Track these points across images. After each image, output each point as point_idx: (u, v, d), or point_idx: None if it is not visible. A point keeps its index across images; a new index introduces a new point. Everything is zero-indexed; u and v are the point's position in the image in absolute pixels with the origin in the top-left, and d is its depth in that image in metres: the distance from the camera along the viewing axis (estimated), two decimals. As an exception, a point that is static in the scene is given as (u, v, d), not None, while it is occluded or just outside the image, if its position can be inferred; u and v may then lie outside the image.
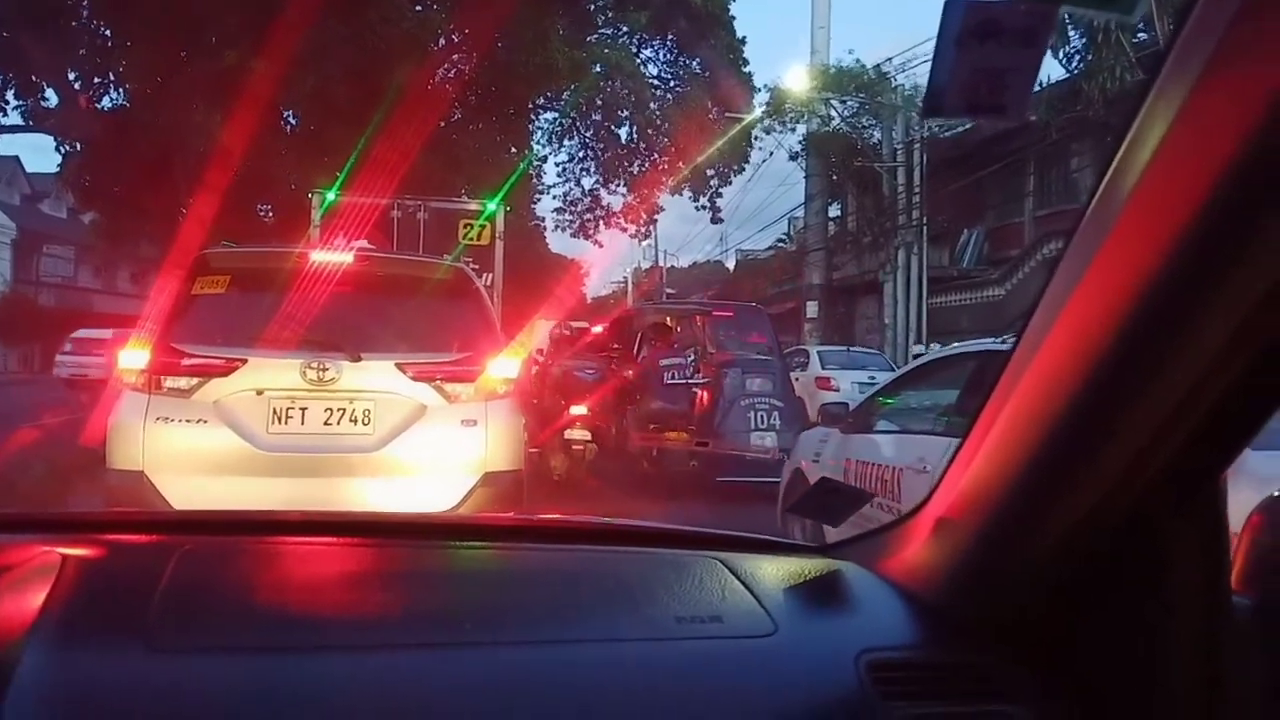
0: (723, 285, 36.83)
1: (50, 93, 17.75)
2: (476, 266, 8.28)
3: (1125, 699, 1.08)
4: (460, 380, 4.59)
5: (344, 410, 4.44)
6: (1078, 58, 17.54)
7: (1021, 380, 1.04)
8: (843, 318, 25.27)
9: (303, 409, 4.41)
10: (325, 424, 4.42)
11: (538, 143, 21.91)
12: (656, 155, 20.72)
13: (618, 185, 22.21)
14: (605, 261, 33.65)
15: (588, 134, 21.72)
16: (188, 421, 4.31)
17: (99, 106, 17.79)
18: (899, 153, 22.13)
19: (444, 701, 1.01)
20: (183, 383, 4.37)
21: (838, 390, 14.46)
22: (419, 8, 16.57)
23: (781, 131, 23.25)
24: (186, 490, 4.17)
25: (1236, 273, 0.79)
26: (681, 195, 22.29)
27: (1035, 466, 1.04)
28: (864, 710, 1.09)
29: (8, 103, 17.79)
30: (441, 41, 16.64)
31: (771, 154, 23.50)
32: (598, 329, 15.45)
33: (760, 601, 1.26)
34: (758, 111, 21.83)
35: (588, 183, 22.77)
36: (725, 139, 20.50)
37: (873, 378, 13.34)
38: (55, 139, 18.73)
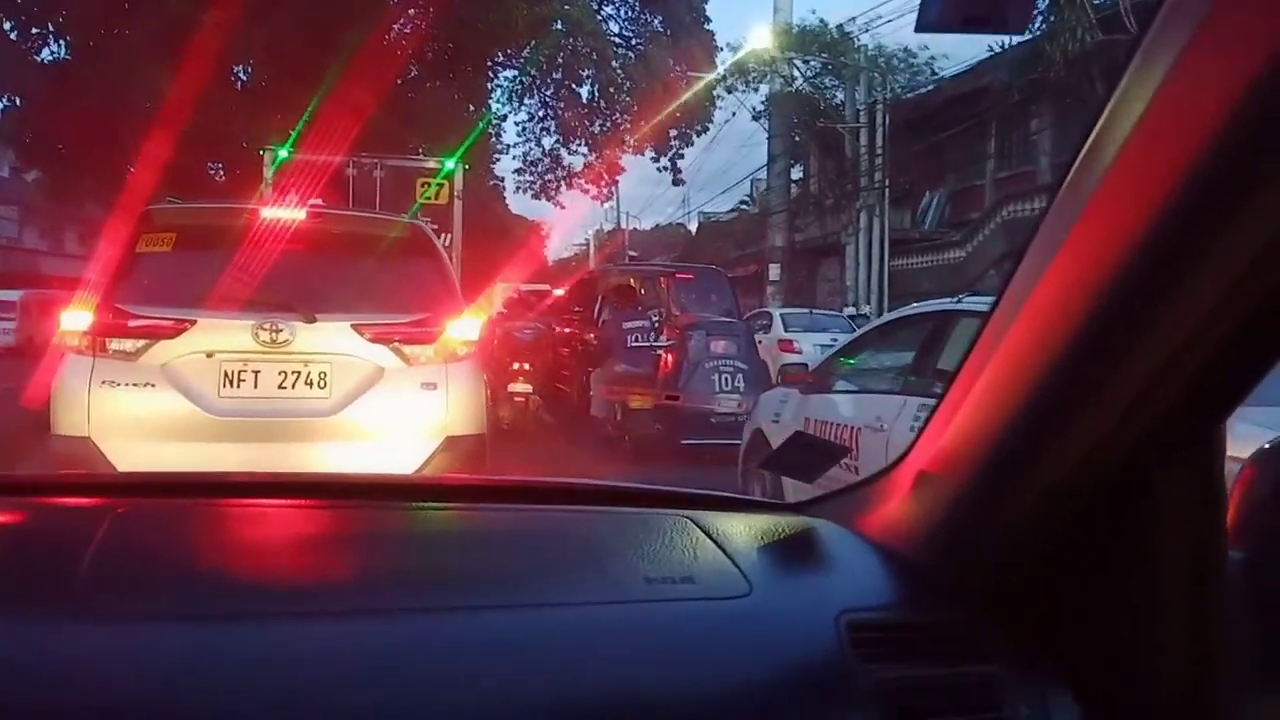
0: (685, 248, 36.82)
1: (-13, 44, 17.10)
2: (435, 226, 8.11)
3: (1112, 660, 1.06)
4: (419, 342, 4.48)
5: (299, 373, 4.32)
6: (1040, 19, 17.55)
7: (1007, 333, 1.01)
8: (805, 280, 25.35)
9: (255, 372, 4.28)
10: (279, 387, 4.30)
11: (497, 101, 21.63)
12: (618, 115, 20.53)
13: (579, 145, 22.02)
14: (567, 223, 33.48)
15: (548, 93, 21.45)
16: (135, 385, 4.17)
17: (38, 59, 17.20)
18: (861, 114, 22.10)
19: (403, 669, 0.95)
20: (129, 345, 4.22)
21: (800, 353, 14.53)
22: (374, -41, 16.12)
23: (744, 91, 23.12)
24: (135, 456, 4.04)
25: (1228, 230, 0.77)
26: (643, 156, 22.14)
27: (1021, 420, 1.01)
28: (843, 671, 1.05)
29: (-60, 55, 17.12)
30: (397, -4, 16.25)
31: (734, 114, 23.39)
32: (559, 292, 15.42)
33: (733, 561, 1.22)
34: (720, 70, 21.65)
35: (548, 143, 22.58)
36: (688, 97, 20.31)
37: (835, 340, 13.37)
38: (-8, 93, 18.07)
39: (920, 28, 0.97)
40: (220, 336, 4.27)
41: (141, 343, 4.22)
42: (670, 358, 9.19)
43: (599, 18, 20.15)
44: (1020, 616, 1.12)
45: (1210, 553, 1.02)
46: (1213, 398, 0.94)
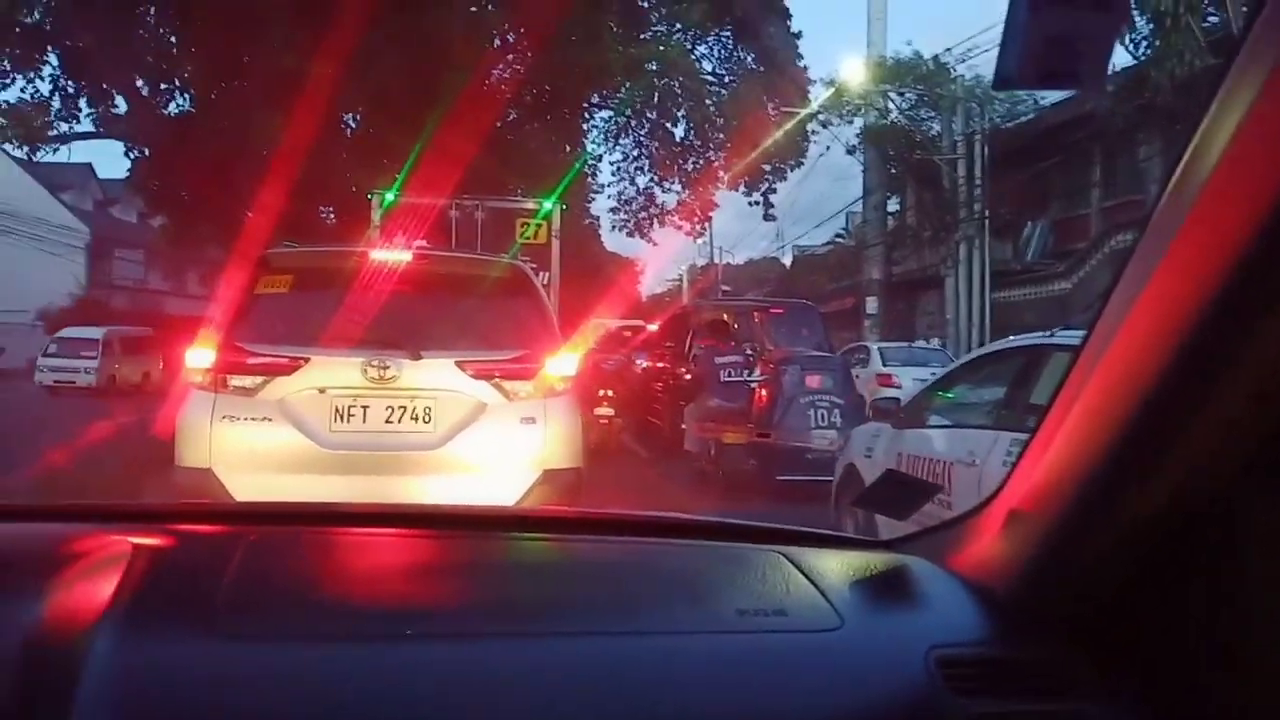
0: (779, 282, 36.64)
1: (119, 99, 18.25)
2: (534, 265, 8.29)
3: (1198, 693, 1.05)
4: (519, 378, 4.58)
5: (405, 408, 4.46)
6: (1145, 43, 17.01)
7: (1096, 371, 1.01)
8: (903, 313, 24.89)
9: (364, 407, 4.44)
10: (386, 422, 4.45)
11: (593, 142, 21.98)
12: (712, 152, 20.61)
13: (672, 183, 22.16)
14: (661, 259, 33.71)
15: (642, 132, 21.68)
16: (253, 420, 4.37)
17: (165, 112, 18.24)
18: (959, 144, 21.72)
19: (504, 692, 1.01)
20: (248, 381, 4.43)
21: (900, 387, 14.21)
22: (474, 9, 16.69)
23: (838, 125, 22.97)
24: (252, 487, 4.22)
25: None
26: (737, 192, 22.15)
27: (1112, 457, 1.01)
28: (934, 706, 1.07)
29: (80, 110, 18.36)
30: (497, 42, 16.74)
31: (828, 148, 23.23)
32: (652, 327, 15.51)
33: (825, 595, 1.24)
34: (814, 105, 21.59)
35: (642, 181, 22.77)
36: (781, 133, 20.29)
37: (934, 373, 13.12)
38: (124, 144, 19.25)
39: (997, 85, 1.01)
40: (332, 373, 4.44)
41: (260, 379, 4.42)
42: (765, 393, 9.14)
43: (693, 57, 20.36)
44: (1105, 647, 1.12)
45: None
46: None
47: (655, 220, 23.22)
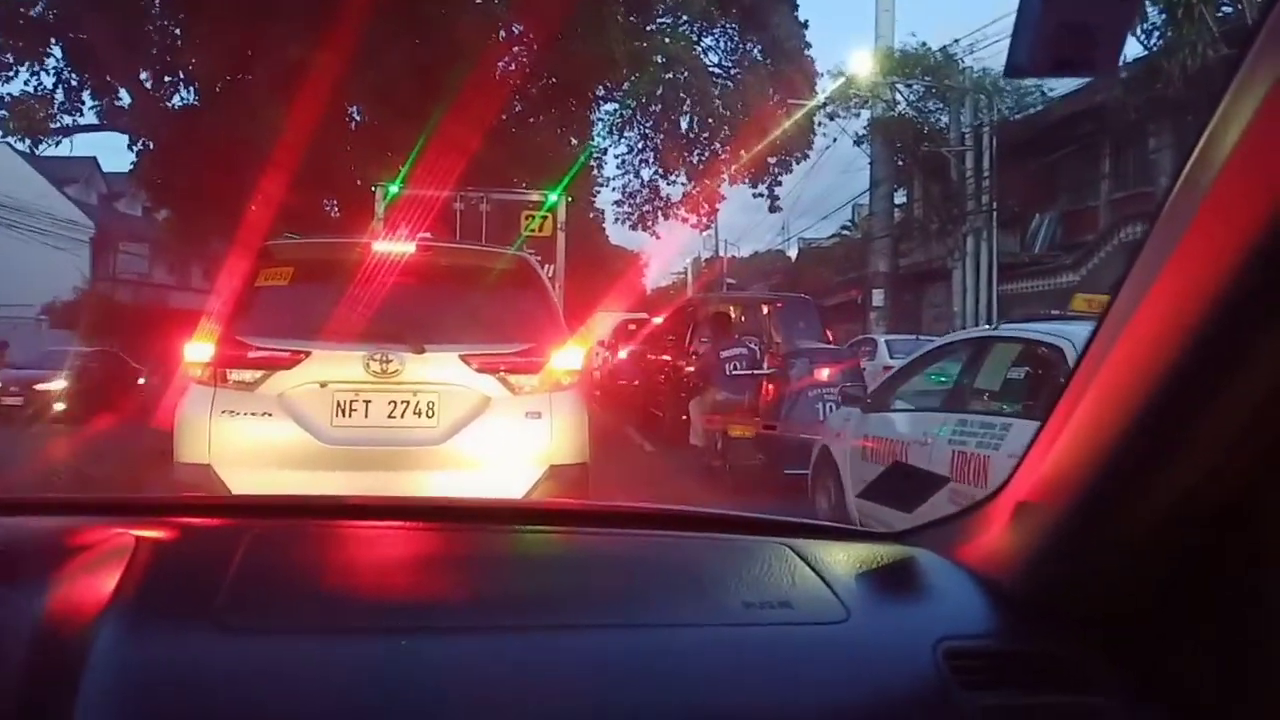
0: (785, 275, 36.54)
1: (123, 92, 18.22)
2: (539, 258, 8.23)
3: (1224, 693, 1.03)
4: (524, 372, 4.52)
5: (408, 403, 4.40)
6: (1156, 34, 16.87)
7: (1106, 361, 1.00)
8: (910, 306, 24.83)
9: (366, 402, 4.38)
10: (389, 417, 4.39)
11: (598, 135, 21.91)
12: (718, 145, 20.52)
13: (677, 176, 22.09)
14: (666, 252, 33.69)
15: (647, 125, 21.63)
16: (253, 415, 4.31)
17: (169, 105, 18.22)
18: (967, 136, 21.59)
19: (511, 685, 1.02)
20: (248, 375, 4.37)
21: (907, 379, 14.19)
22: (479, 0, 16.60)
23: (845, 117, 22.86)
24: (252, 483, 4.17)
25: None
26: (742, 184, 22.07)
27: (1123, 449, 1.00)
28: (942, 699, 1.06)
29: (83, 103, 18.34)
30: (502, 34, 16.66)
31: (835, 140, 23.12)
32: (657, 320, 15.55)
33: (831, 588, 1.24)
34: (820, 97, 21.48)
35: (647, 174, 22.72)
36: (788, 125, 20.19)
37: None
38: (129, 137, 19.22)
39: (1009, 73, 0.97)
40: (333, 367, 4.38)
41: (260, 373, 4.36)
42: (772, 386, 9.07)
43: (698, 49, 20.26)
44: (1129, 647, 1.11)
45: None
46: None
47: (660, 213, 23.17)
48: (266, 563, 1.22)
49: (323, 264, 4.88)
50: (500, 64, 16.84)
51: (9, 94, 18.08)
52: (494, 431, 4.42)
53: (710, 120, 20.20)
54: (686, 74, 19.21)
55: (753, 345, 10.12)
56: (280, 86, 13.83)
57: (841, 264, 30.96)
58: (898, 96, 22.95)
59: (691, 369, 11.07)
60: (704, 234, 35.91)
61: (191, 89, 18.05)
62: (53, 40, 17.59)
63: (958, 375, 5.74)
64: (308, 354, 4.37)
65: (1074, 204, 22.82)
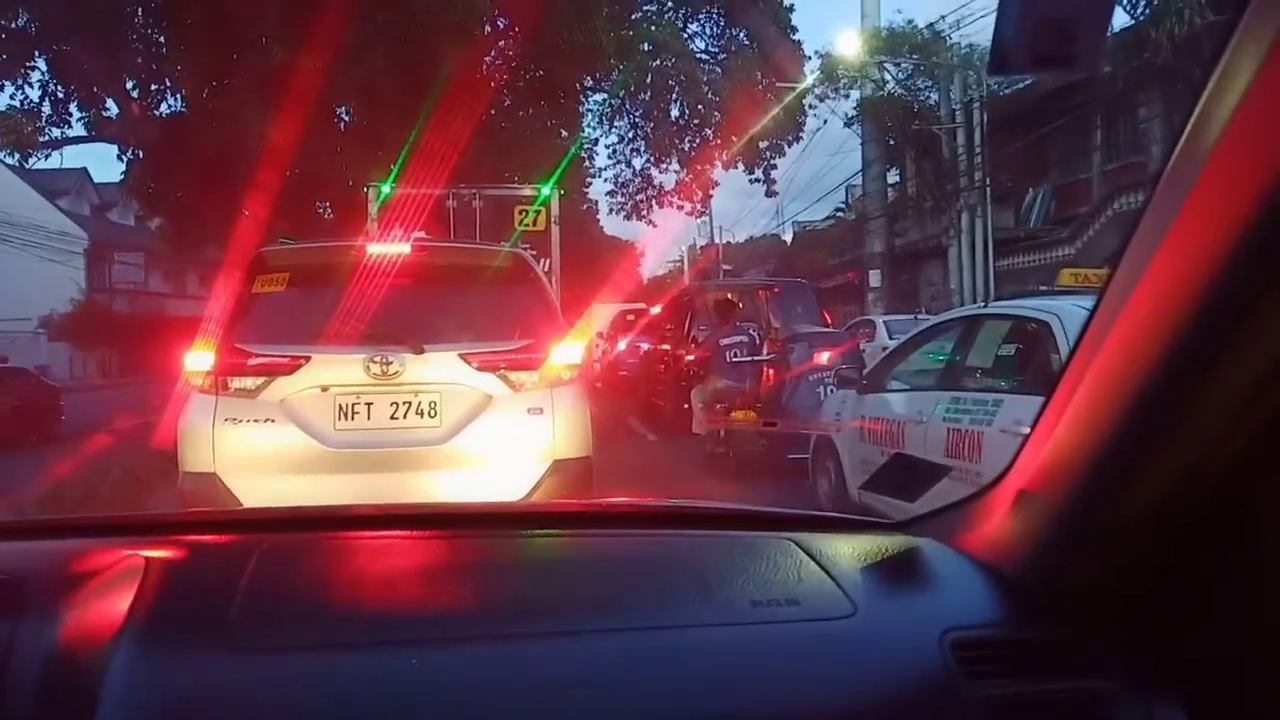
0: (781, 259, 36.54)
1: (110, 102, 18.13)
2: (534, 252, 8.21)
3: (1227, 677, 1.03)
4: (524, 368, 4.52)
5: (410, 403, 4.40)
6: (1144, 2, 16.82)
7: (1104, 345, 0.99)
8: (907, 285, 24.82)
9: (368, 404, 4.38)
10: (392, 418, 4.39)
11: (588, 125, 21.81)
12: (708, 131, 20.45)
13: (669, 164, 22.01)
14: (661, 241, 33.59)
15: (636, 114, 21.52)
16: (256, 421, 4.31)
17: (157, 113, 18.13)
18: (958, 113, 21.55)
19: (524, 695, 1.02)
20: (249, 383, 4.37)
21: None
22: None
23: (835, 98, 22.80)
24: (258, 490, 4.18)
25: None
26: (735, 170, 22.01)
27: (1122, 434, 0.99)
28: (950, 690, 1.06)
29: (71, 114, 18.22)
30: (487, 28, 16.58)
31: (826, 122, 23.13)
32: (655, 310, 15.56)
33: (837, 582, 1.25)
34: (809, 79, 21.41)
35: (638, 163, 22.61)
36: (778, 109, 20.13)
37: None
38: (118, 147, 19.14)
39: (993, 71, 0.97)
40: (334, 371, 4.38)
41: (261, 380, 4.36)
42: (773, 372, 9.07)
43: (685, 36, 20.17)
44: (1133, 632, 1.11)
45: None
46: None
47: (653, 202, 23.11)
48: (277, 578, 1.22)
49: (319, 268, 4.87)
50: (487, 58, 16.77)
51: (-4, 110, 18.01)
52: (496, 429, 4.42)
53: (700, 106, 20.11)
54: (674, 61, 19.12)
55: (752, 331, 10.12)
56: (266, 90, 13.76)
57: (837, 246, 30.94)
58: (886, 76, 22.89)
59: (691, 357, 11.07)
60: (699, 220, 35.92)
61: (178, 96, 17.96)
62: (36, 53, 17.50)
63: (950, 354, 5.83)
64: (308, 359, 4.37)
65: (1067, 176, 22.80)
